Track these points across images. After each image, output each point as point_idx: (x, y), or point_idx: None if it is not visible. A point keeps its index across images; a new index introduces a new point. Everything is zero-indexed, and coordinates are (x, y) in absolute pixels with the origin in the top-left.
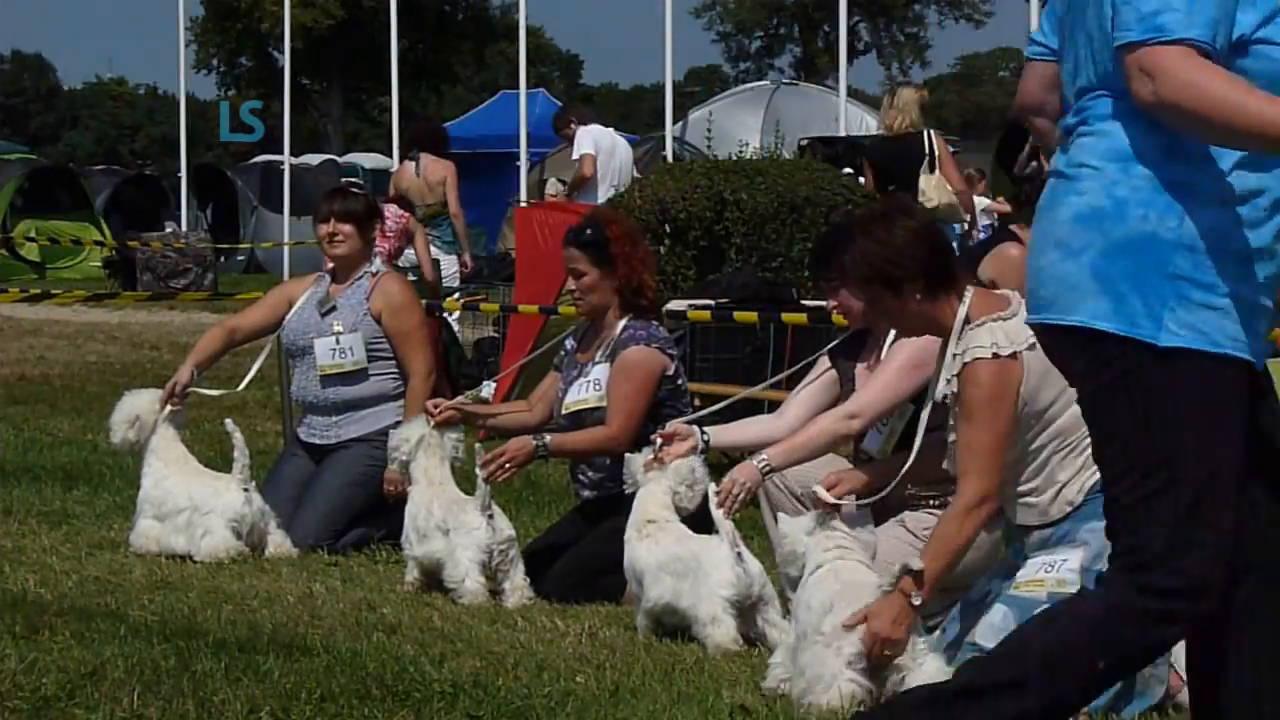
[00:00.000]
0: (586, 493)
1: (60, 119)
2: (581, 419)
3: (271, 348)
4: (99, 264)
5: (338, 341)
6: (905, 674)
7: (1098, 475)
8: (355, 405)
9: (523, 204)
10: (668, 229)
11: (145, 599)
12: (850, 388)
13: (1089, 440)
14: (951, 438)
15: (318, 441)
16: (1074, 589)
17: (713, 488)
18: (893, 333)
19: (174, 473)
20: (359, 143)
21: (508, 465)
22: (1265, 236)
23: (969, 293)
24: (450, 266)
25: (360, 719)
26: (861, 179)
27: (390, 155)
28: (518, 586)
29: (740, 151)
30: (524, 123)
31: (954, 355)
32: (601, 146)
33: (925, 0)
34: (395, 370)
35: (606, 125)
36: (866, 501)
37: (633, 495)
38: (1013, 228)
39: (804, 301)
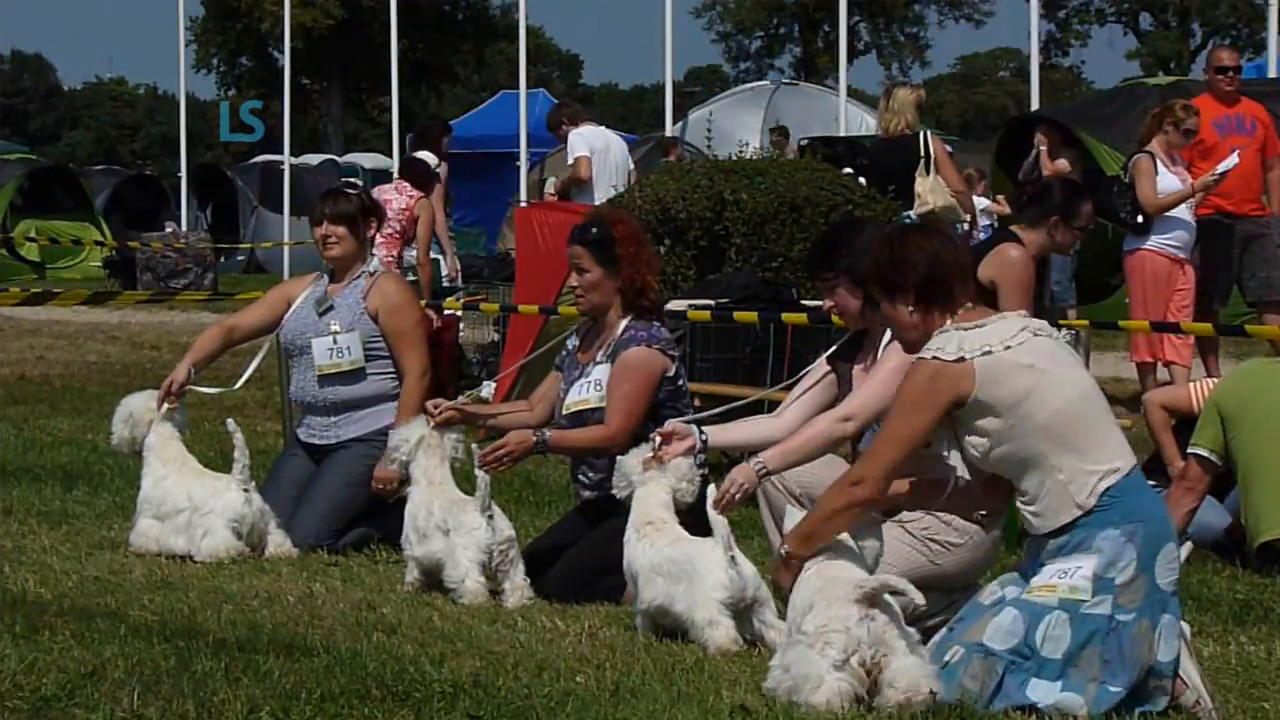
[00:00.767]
0: (587, 493)
1: (60, 119)
2: (583, 419)
3: (269, 347)
4: (99, 264)
5: (335, 341)
6: (889, 671)
7: (1112, 480)
8: (354, 405)
9: (523, 204)
10: (668, 229)
11: (145, 599)
12: (848, 389)
13: (1089, 444)
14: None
15: (317, 441)
16: (1085, 596)
17: (712, 490)
18: (888, 334)
19: (173, 473)
20: (359, 143)
21: (506, 459)
22: None
23: (960, 311)
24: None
25: (360, 719)
26: (862, 179)
27: (390, 155)
28: (518, 587)
29: (740, 151)
30: (524, 123)
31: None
32: (595, 146)
33: (925, 0)
34: (393, 370)
35: (603, 125)
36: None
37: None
38: (1013, 228)
39: (804, 301)
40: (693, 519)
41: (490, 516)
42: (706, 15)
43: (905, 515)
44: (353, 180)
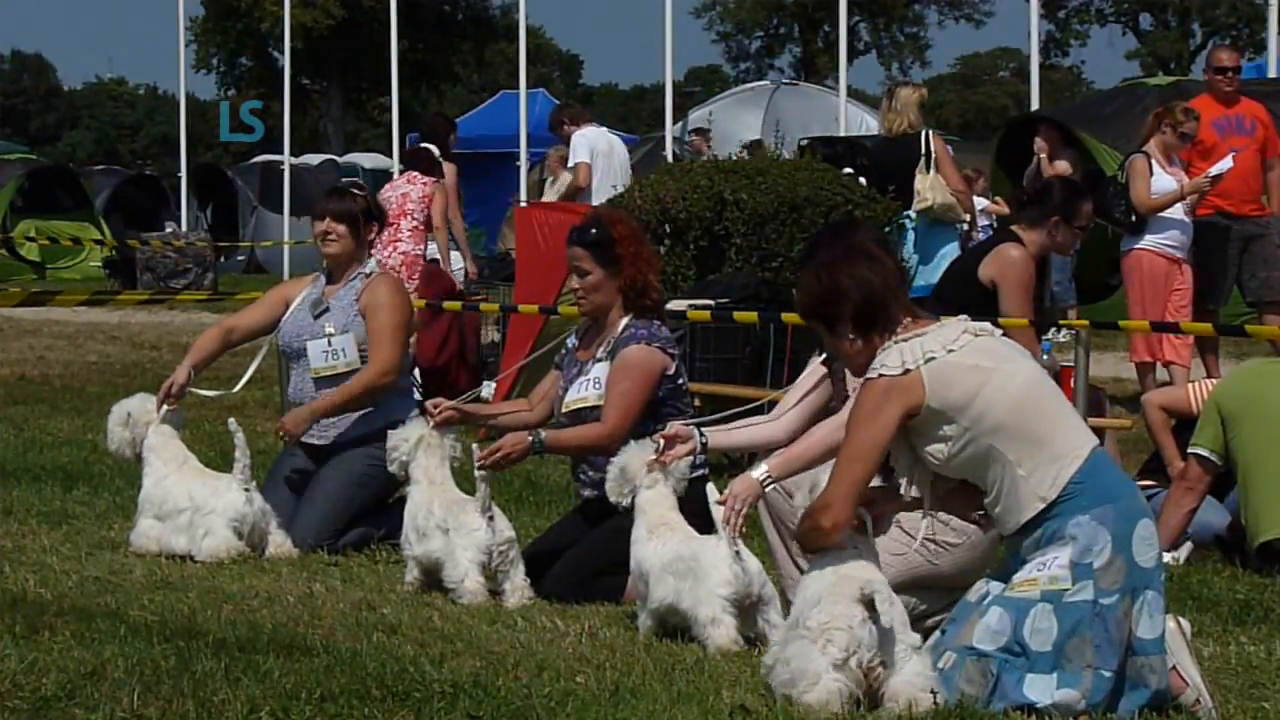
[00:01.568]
0: (587, 491)
1: (60, 119)
2: (582, 417)
3: (269, 348)
4: (99, 264)
5: (330, 343)
6: (889, 672)
7: (1074, 466)
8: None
9: (523, 204)
10: (668, 229)
11: (145, 599)
12: (843, 389)
13: (1050, 436)
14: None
15: (316, 442)
16: (1066, 585)
17: (712, 490)
18: None
19: (174, 473)
20: (359, 143)
21: (502, 461)
22: None
23: (906, 321)
24: (454, 262)
25: (360, 719)
26: (862, 180)
27: (390, 155)
28: (518, 587)
29: (739, 152)
30: (524, 122)
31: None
32: (598, 149)
33: (925, 0)
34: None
35: (604, 125)
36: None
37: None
38: (1013, 228)
39: None
40: (695, 520)
41: (491, 517)
42: (706, 15)
43: (902, 516)
44: (357, 181)
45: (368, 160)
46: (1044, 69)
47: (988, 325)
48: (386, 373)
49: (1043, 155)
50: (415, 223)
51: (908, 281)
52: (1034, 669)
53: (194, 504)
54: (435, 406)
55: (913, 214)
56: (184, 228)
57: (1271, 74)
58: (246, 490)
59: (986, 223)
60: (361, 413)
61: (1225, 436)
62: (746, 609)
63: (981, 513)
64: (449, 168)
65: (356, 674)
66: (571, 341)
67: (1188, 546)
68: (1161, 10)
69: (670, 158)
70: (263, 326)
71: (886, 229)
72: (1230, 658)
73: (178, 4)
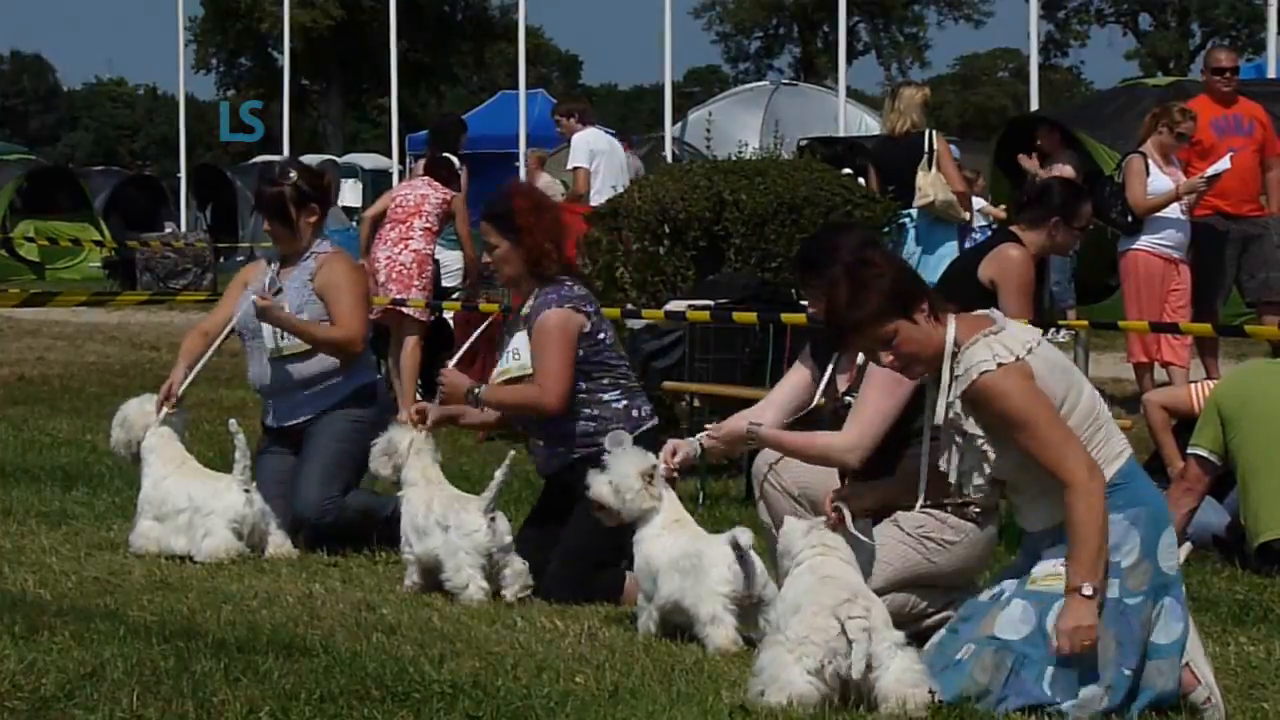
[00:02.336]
0: (541, 463)
1: (60, 119)
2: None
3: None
4: (98, 264)
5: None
6: (876, 673)
7: (1116, 466)
8: (313, 381)
9: None
10: (667, 229)
11: (144, 599)
12: (832, 391)
13: (1101, 439)
14: (978, 480)
15: (289, 423)
16: None
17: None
18: None
19: (173, 473)
20: (358, 143)
21: (441, 419)
22: None
23: (951, 320)
24: (454, 263)
25: (360, 719)
26: (861, 180)
27: (390, 156)
28: (518, 573)
29: (740, 152)
30: (523, 123)
31: (955, 377)
32: (598, 149)
33: (924, 0)
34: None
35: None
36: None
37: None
38: (1013, 228)
39: (803, 302)
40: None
41: (493, 519)
42: (706, 15)
43: (900, 514)
44: (291, 161)
45: (367, 160)
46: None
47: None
48: (354, 341)
49: (1037, 172)
50: (427, 224)
51: None
52: (1057, 663)
53: (193, 504)
54: (419, 413)
55: (914, 211)
56: (183, 228)
57: (1271, 74)
58: (246, 491)
59: (984, 223)
60: (327, 385)
61: (1225, 437)
62: (747, 609)
63: (978, 510)
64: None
65: (356, 674)
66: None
67: (1187, 547)
68: (1161, 10)
69: (670, 158)
70: (230, 318)
71: (885, 229)
72: (1229, 658)
73: (177, 4)
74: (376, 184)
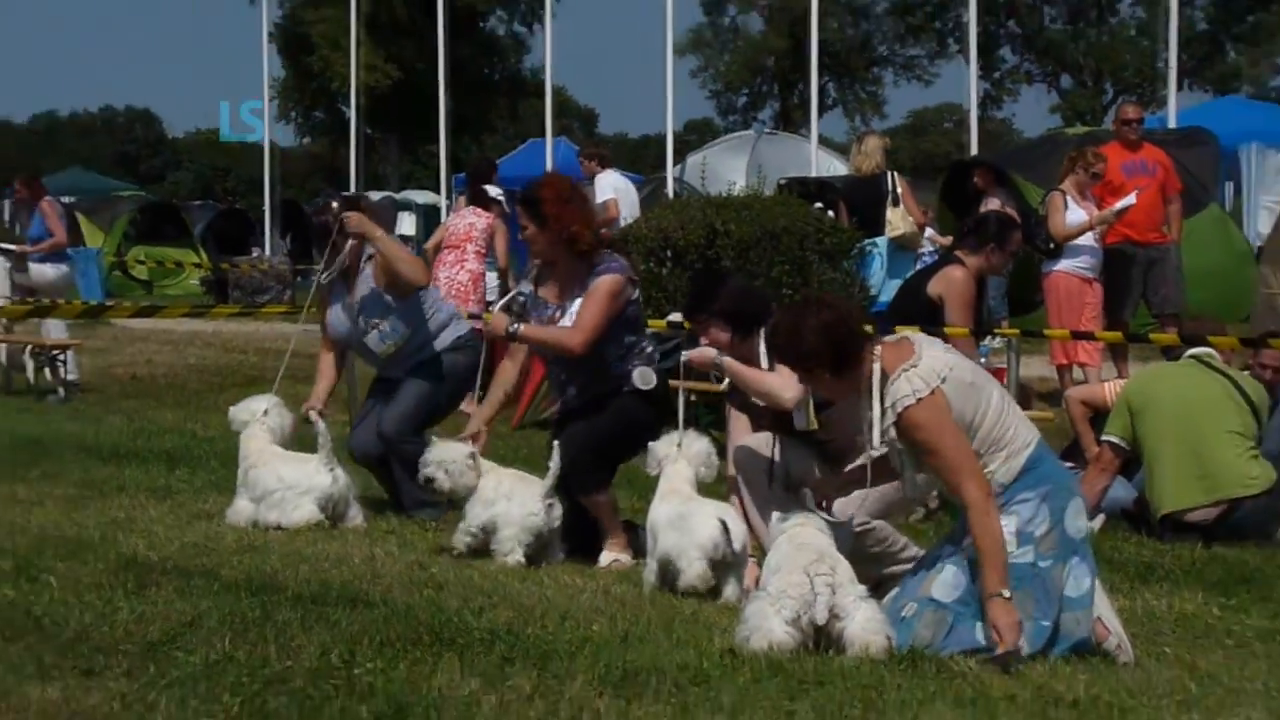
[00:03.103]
0: (562, 396)
1: (166, 162)
2: None
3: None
4: (197, 283)
5: (379, 332)
6: (843, 622)
7: (1024, 455)
8: (417, 350)
9: None
10: (669, 254)
11: (235, 560)
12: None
13: (1010, 436)
14: (919, 477)
15: (393, 375)
16: (1011, 548)
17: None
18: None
19: (264, 462)
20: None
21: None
22: None
23: (877, 350)
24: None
25: (413, 661)
26: (831, 213)
27: (439, 192)
28: (556, 550)
29: (729, 190)
30: (549, 165)
31: (883, 410)
32: (619, 188)
33: (882, 63)
34: (428, 308)
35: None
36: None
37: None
38: (956, 253)
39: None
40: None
41: (550, 504)
42: (701, 76)
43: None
44: (333, 194)
45: (420, 196)
46: (981, 121)
47: (937, 340)
48: (421, 282)
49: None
50: (478, 247)
51: (873, 299)
52: (984, 618)
53: (284, 484)
54: (473, 438)
55: (880, 240)
56: (268, 253)
57: (1170, 125)
58: (331, 471)
59: (932, 249)
60: (424, 350)
61: (1133, 426)
62: (719, 562)
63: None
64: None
65: (410, 623)
66: (526, 289)
67: (1101, 518)
68: (1079, 71)
69: (670, 195)
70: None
71: (851, 253)
72: (1136, 610)
73: (263, 67)
74: (427, 216)
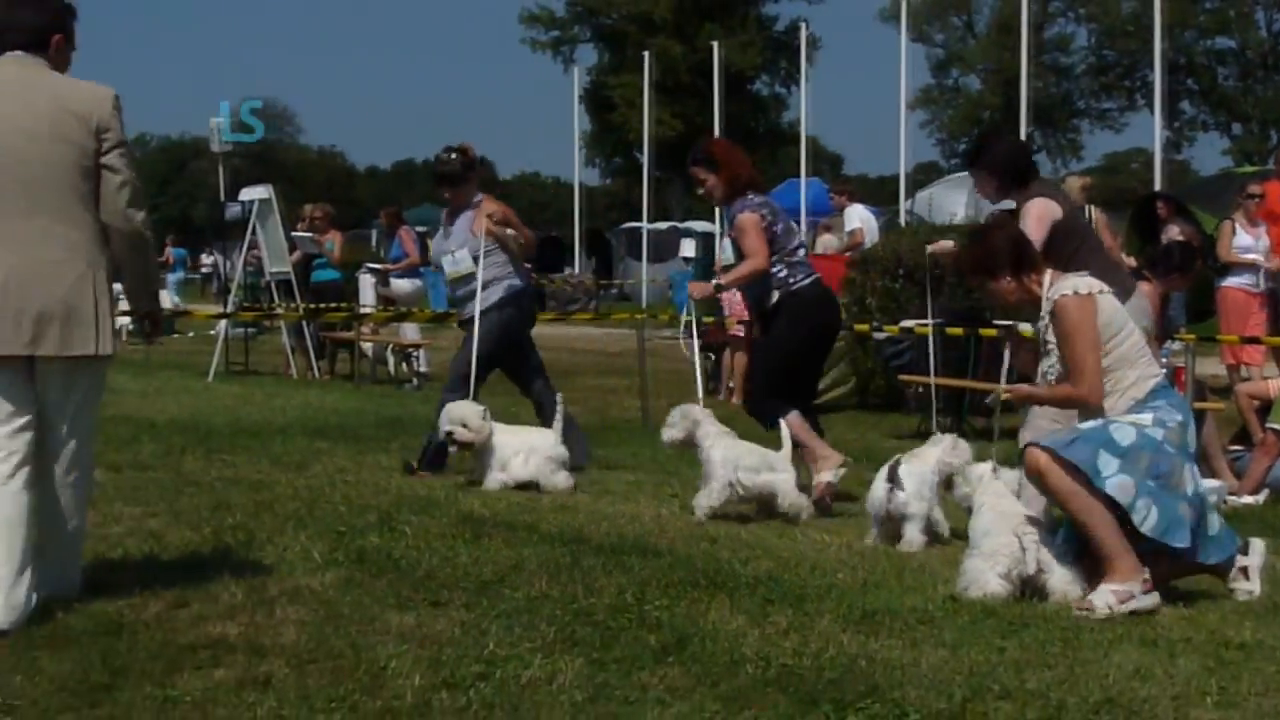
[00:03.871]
0: (755, 305)
1: (499, 198)
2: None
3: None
4: None
5: (454, 256)
6: (1046, 575)
7: (1152, 381)
8: (474, 293)
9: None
10: (901, 271)
11: (551, 517)
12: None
13: (1144, 363)
14: (1051, 361)
15: (467, 315)
16: (1147, 422)
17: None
18: None
19: (512, 436)
20: (694, 214)
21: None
22: None
23: (1048, 274)
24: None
25: (691, 600)
26: None
27: (713, 221)
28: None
29: (951, 219)
30: (804, 200)
31: (1047, 299)
32: (864, 219)
33: (1080, 115)
34: (498, 262)
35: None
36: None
37: None
38: (1145, 273)
39: (995, 322)
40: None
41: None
42: (929, 126)
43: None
44: (452, 147)
45: (699, 225)
46: (1165, 162)
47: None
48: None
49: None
50: None
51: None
52: (1108, 449)
53: (530, 447)
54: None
55: None
56: (577, 271)
57: None
58: (559, 441)
59: None
60: (485, 291)
61: None
62: (886, 520)
63: None
64: None
65: (689, 570)
66: (691, 252)
67: (1265, 492)
68: (1248, 120)
69: (903, 224)
70: None
71: None
72: None
73: (574, 124)
74: (706, 241)
